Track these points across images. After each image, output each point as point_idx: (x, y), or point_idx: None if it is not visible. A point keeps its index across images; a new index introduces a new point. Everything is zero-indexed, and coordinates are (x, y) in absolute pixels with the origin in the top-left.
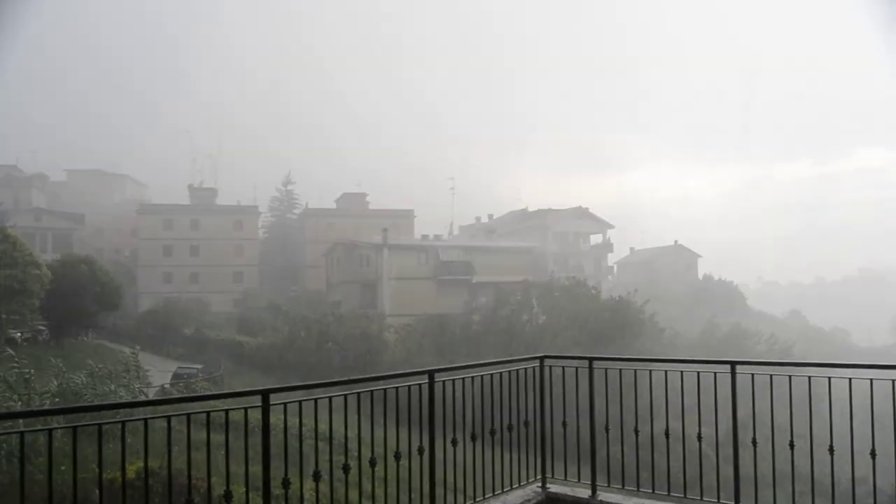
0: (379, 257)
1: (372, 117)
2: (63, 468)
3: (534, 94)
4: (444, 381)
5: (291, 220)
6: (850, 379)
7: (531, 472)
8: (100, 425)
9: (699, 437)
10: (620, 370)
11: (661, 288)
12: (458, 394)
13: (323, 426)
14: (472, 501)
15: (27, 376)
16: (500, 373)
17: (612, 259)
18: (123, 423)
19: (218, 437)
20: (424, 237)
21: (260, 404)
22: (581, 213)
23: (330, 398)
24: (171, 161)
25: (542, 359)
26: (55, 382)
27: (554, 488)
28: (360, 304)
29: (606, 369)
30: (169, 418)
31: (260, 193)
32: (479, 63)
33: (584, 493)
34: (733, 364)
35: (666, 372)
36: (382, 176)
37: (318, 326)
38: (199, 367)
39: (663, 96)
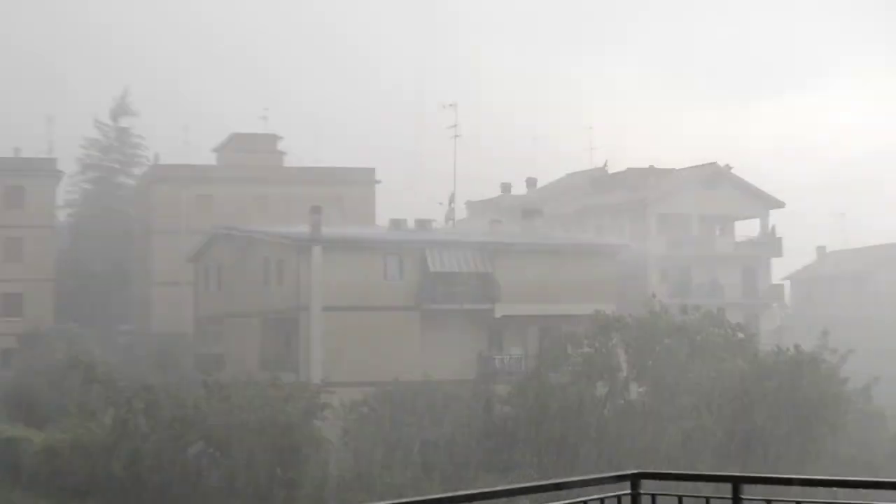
0: (303, 264)
1: None
2: None
3: None
4: None
5: (125, 187)
6: None
7: None
8: None
9: None
10: None
11: (888, 329)
12: None
13: None
14: None
15: None
16: None
17: (778, 268)
18: None
19: None
20: (397, 223)
21: None
22: (716, 177)
23: None
24: None
25: (635, 478)
26: None
27: None
28: (263, 359)
29: (769, 502)
30: None
31: (63, 135)
32: None
33: None
34: None
35: None
36: (316, 101)
37: (174, 408)
38: None
39: None
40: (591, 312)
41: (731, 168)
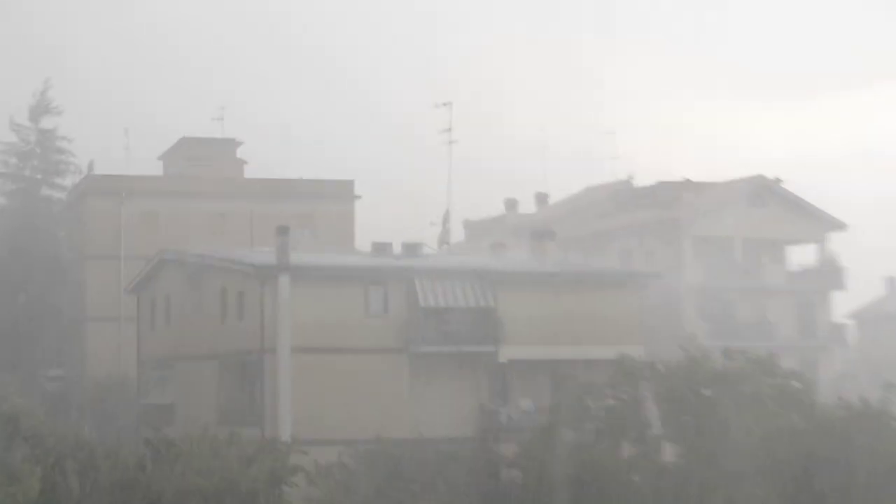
0: (268, 297)
1: None
2: None
3: None
4: None
5: (52, 202)
6: None
7: None
8: None
9: None
10: None
11: None
12: None
13: None
14: None
15: None
16: None
17: (840, 304)
18: None
19: None
20: (380, 247)
21: None
22: (764, 192)
23: None
24: None
25: None
26: None
27: None
28: (221, 411)
29: None
30: None
31: None
32: None
33: None
34: None
35: None
36: (282, 100)
37: (114, 470)
38: None
39: None
40: (615, 356)
41: (781, 181)
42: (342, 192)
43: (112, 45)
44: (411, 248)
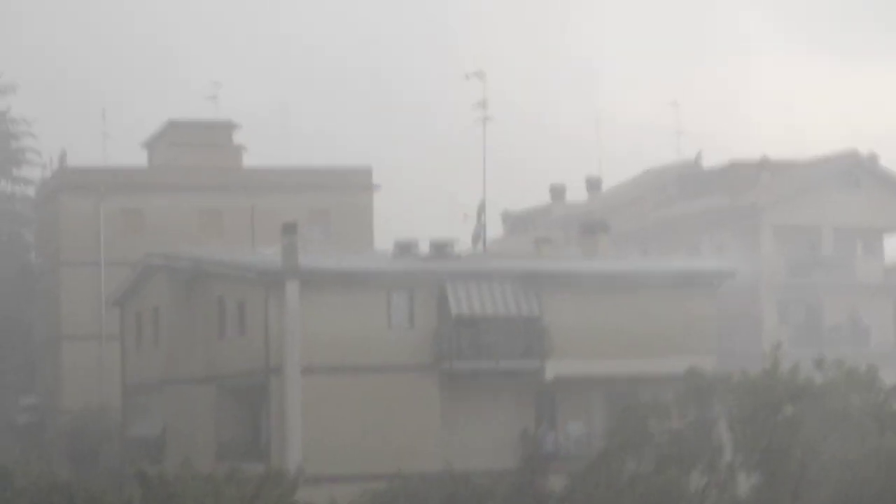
0: (273, 307)
1: None
2: None
3: None
4: None
5: (17, 200)
6: None
7: None
8: None
9: None
10: None
11: None
12: None
13: None
14: None
15: None
16: None
17: None
18: None
19: None
20: (404, 246)
21: None
22: (857, 171)
23: None
24: None
25: None
26: None
27: None
28: (220, 443)
29: None
30: None
31: None
32: None
33: None
34: None
35: None
36: (287, 74)
37: None
38: None
39: None
40: (683, 371)
41: (878, 158)
42: (358, 183)
43: (83, 11)
44: (441, 248)
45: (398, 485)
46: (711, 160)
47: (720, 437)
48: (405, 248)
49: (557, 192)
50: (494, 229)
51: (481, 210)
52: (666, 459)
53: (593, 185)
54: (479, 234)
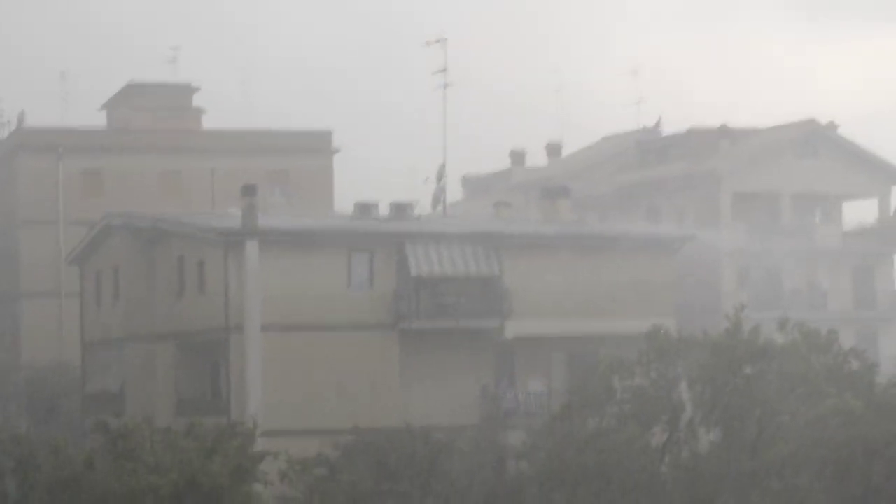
0: (233, 267)
1: None
2: None
3: None
4: None
5: None
6: None
7: None
8: None
9: None
10: None
11: None
12: None
13: None
14: None
15: None
16: None
17: None
18: None
19: None
20: (364, 208)
21: None
22: (815, 139)
23: None
24: None
25: None
26: None
27: None
28: (180, 400)
29: None
30: None
31: None
32: None
33: None
34: None
35: None
36: (246, 37)
37: (57, 468)
38: None
39: None
40: (643, 330)
41: (836, 127)
42: (319, 145)
43: None
44: (401, 209)
45: (359, 439)
46: (671, 128)
47: (681, 395)
48: (365, 210)
49: (517, 157)
50: (455, 193)
51: (441, 173)
52: (627, 416)
53: (553, 150)
54: (439, 197)
